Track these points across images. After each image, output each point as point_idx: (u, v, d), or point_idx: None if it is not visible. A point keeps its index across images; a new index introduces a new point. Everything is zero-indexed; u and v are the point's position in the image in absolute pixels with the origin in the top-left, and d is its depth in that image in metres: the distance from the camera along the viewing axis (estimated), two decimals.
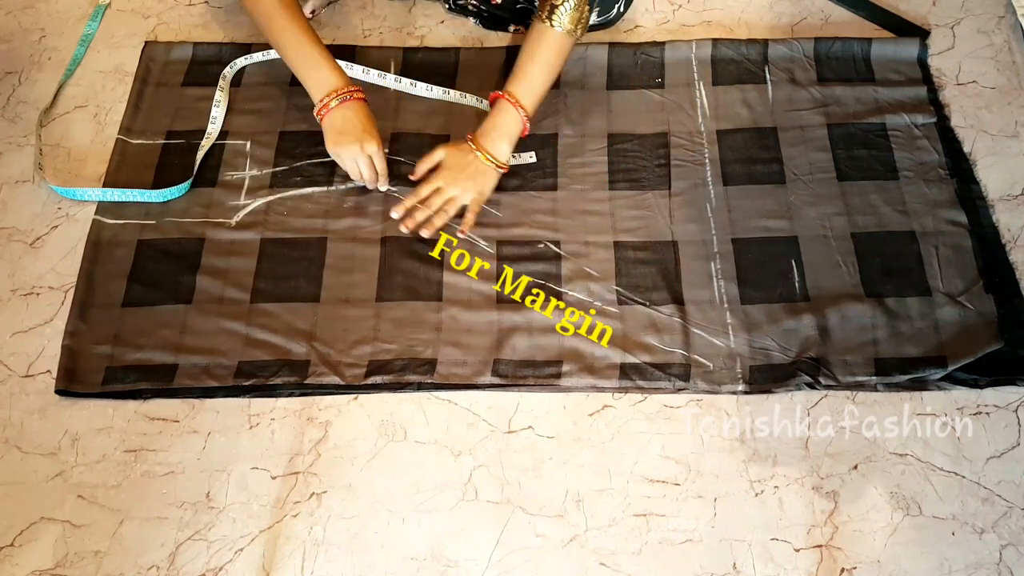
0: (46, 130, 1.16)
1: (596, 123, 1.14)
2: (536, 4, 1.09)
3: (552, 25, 1.02)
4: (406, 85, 1.17)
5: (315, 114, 1.04)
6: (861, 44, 1.19)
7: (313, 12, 1.27)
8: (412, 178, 1.07)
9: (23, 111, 1.18)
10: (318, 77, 1.03)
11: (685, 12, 1.27)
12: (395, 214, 1.05)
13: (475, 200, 1.05)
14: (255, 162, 1.11)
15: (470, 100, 1.16)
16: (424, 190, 1.05)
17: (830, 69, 1.18)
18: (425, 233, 1.03)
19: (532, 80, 1.05)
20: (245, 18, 1.27)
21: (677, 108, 1.15)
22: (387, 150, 1.11)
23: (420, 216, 1.04)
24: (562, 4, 1.01)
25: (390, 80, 1.17)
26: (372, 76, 1.17)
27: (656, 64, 1.19)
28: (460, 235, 1.04)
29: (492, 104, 1.07)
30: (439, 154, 1.06)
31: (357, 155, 1.03)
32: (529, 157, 1.11)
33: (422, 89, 1.17)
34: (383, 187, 1.07)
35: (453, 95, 1.17)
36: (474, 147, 1.05)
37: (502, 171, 1.06)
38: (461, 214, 1.05)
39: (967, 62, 1.20)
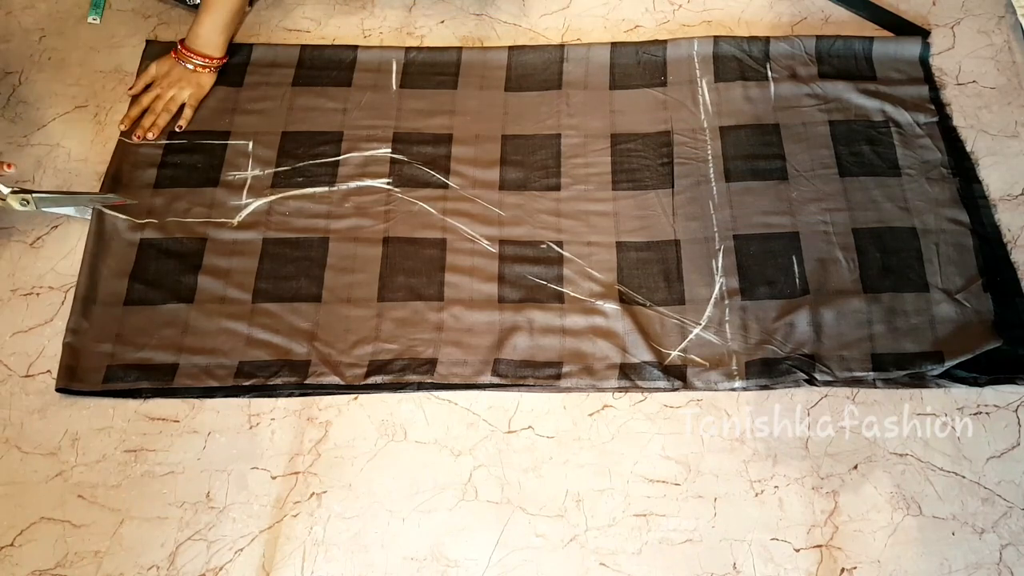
0: (46, 130, 1.15)
1: (599, 123, 1.14)
2: None
3: None
4: None
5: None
6: (862, 43, 1.19)
7: None
8: (130, 93, 1.16)
9: (23, 111, 1.18)
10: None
11: (685, 12, 1.27)
12: (122, 127, 1.12)
13: (192, 95, 1.14)
14: (257, 162, 1.11)
15: None
16: (145, 99, 1.14)
17: (831, 67, 1.18)
18: (150, 136, 1.11)
19: None
20: (244, 18, 1.27)
21: (680, 105, 1.15)
22: (389, 150, 1.12)
23: (146, 122, 1.12)
24: None
25: None
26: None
27: (658, 63, 1.19)
28: (178, 129, 1.12)
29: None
30: (152, 69, 1.15)
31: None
32: None
33: None
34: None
35: None
36: (182, 59, 1.14)
37: (219, 64, 1.15)
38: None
39: (967, 62, 1.20)
